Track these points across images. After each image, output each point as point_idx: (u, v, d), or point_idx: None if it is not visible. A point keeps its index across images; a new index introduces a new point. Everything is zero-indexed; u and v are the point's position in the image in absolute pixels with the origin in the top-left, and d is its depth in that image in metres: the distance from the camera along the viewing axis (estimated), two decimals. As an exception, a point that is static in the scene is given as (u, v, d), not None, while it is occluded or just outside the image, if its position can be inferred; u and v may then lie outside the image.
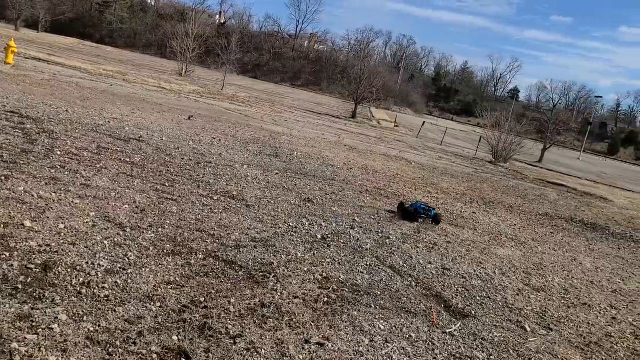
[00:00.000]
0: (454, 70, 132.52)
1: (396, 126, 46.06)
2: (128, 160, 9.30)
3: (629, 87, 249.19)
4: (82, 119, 12.32)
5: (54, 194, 6.55)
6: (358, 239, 7.67)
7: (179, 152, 11.20)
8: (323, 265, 6.32)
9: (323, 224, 8.11)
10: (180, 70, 48.30)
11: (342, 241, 7.43)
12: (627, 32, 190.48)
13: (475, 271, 7.34)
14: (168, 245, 5.87)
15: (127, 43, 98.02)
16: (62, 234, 5.47)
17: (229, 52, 47.90)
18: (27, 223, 5.48)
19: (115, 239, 5.69)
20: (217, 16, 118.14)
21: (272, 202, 8.79)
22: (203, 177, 9.44)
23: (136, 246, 5.64)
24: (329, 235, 7.56)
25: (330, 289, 5.63)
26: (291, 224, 7.73)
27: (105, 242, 5.55)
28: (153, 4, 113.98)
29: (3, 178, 6.64)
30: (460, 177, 18.61)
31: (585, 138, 76.03)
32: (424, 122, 45.89)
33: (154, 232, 6.17)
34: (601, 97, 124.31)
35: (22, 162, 7.54)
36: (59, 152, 8.60)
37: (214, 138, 14.30)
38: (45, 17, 77.50)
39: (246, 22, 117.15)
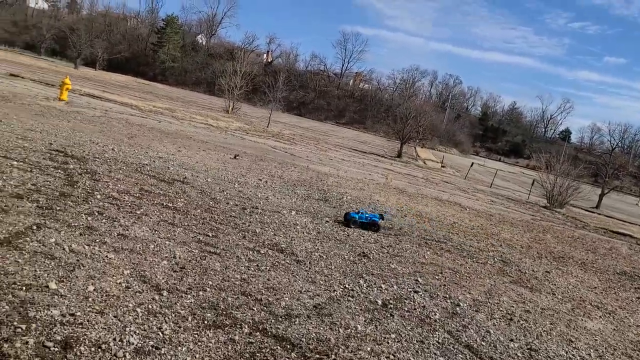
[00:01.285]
0: (502, 110, 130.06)
1: (443, 166, 44.75)
2: (170, 205, 8.66)
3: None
4: (128, 158, 11.90)
5: (87, 247, 5.87)
6: (424, 307, 6.65)
7: (224, 195, 10.53)
8: (388, 342, 5.33)
9: (383, 285, 7.14)
10: (227, 107, 48.80)
11: (406, 309, 6.44)
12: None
13: (567, 353, 6.17)
14: (209, 314, 5.04)
15: (177, 80, 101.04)
16: (91, 299, 4.73)
17: (275, 90, 48.22)
18: (53, 285, 4.78)
19: (150, 306, 4.90)
20: (265, 55, 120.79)
21: (324, 256, 7.90)
22: (249, 225, 8.68)
23: (173, 315, 4.84)
24: (391, 301, 6.58)
25: (400, 379, 4.64)
26: (347, 286, 6.80)
27: (138, 309, 4.78)
28: (204, 43, 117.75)
29: (35, 227, 6.03)
30: (520, 225, 17.27)
31: (644, 182, 72.21)
32: (472, 163, 44.39)
33: (193, 296, 5.36)
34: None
35: (58, 208, 6.96)
36: (99, 196, 8.03)
37: (260, 179, 13.65)
38: (103, 55, 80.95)
39: (292, 61, 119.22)
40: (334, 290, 6.53)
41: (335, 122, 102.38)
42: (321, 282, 6.74)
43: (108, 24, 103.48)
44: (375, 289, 6.98)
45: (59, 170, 9.03)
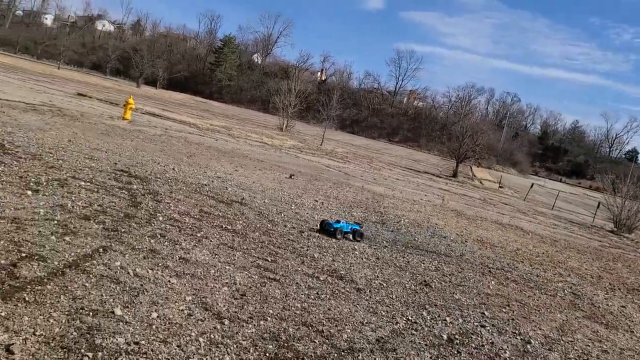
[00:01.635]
0: (563, 128, 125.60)
1: (500, 187, 43.42)
2: (229, 227, 8.66)
3: None
4: (187, 177, 12.09)
5: (150, 271, 5.90)
6: (492, 343, 6.28)
7: (282, 217, 10.48)
8: (457, 384, 5.02)
9: (447, 318, 6.81)
10: (282, 125, 49.42)
11: (473, 345, 6.09)
12: None
13: (654, 403, 5.65)
14: (271, 347, 4.91)
15: (233, 98, 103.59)
16: (154, 327, 4.70)
17: (329, 108, 48.47)
18: (118, 311, 4.78)
19: (212, 335, 4.82)
20: (319, 73, 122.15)
21: (385, 285, 7.66)
22: (307, 249, 8.56)
23: (235, 346, 4.74)
24: (457, 336, 6.25)
25: None
26: (410, 318, 6.52)
27: (200, 339, 4.70)
28: (259, 62, 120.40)
29: (101, 250, 6.12)
30: (587, 252, 16.35)
31: None
32: (532, 184, 42.83)
33: (254, 325, 5.25)
34: None
35: (123, 230, 7.07)
36: (161, 218, 8.13)
37: (316, 200, 13.56)
38: (163, 75, 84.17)
39: (346, 79, 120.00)
40: (397, 323, 6.27)
41: (388, 140, 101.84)
42: (383, 312, 6.50)
43: (169, 45, 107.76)
44: (440, 321, 6.67)
45: (124, 191, 9.24)
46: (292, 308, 5.95)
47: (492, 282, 9.21)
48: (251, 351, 4.74)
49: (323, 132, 46.23)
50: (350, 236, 10.00)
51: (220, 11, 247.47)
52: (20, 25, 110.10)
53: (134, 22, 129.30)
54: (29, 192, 7.57)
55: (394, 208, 15.68)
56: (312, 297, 6.46)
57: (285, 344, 5.02)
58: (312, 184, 16.93)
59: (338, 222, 10.15)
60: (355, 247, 9.49)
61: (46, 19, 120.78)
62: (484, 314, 7.31)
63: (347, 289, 7.07)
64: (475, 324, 6.85)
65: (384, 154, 57.25)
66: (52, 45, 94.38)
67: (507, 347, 6.28)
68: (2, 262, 5.13)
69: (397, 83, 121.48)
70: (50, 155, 10.62)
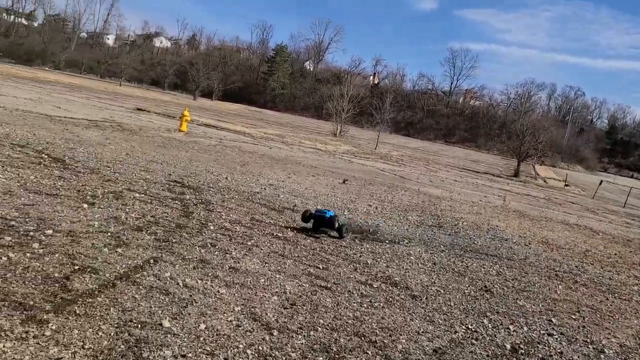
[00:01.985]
0: (633, 121, 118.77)
1: (566, 185, 41.43)
2: (281, 235, 8.56)
3: None
4: (240, 186, 12.15)
5: (200, 281, 5.85)
6: (561, 353, 5.81)
7: (334, 223, 10.29)
8: (523, 398, 4.65)
9: (510, 326, 6.39)
10: (335, 130, 49.40)
11: (540, 355, 5.66)
12: None
13: None
14: (321, 358, 4.72)
15: (286, 106, 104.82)
16: (202, 339, 4.62)
17: (382, 111, 48.02)
18: (166, 323, 4.74)
19: (260, 347, 4.69)
20: (371, 77, 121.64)
21: (442, 291, 7.31)
22: (360, 255, 8.32)
23: (283, 358, 4.58)
24: (522, 346, 5.83)
25: None
26: (470, 326, 6.16)
27: (249, 351, 4.58)
28: (311, 69, 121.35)
29: (152, 261, 6.15)
30: (665, 252, 15.16)
31: None
32: (602, 181, 40.58)
33: (304, 336, 5.08)
34: None
35: (174, 240, 7.10)
36: (212, 227, 8.14)
37: (370, 205, 13.29)
38: (218, 86, 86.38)
39: (399, 81, 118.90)
40: (456, 332, 5.93)
41: (444, 141, 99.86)
42: (440, 321, 6.17)
43: (223, 57, 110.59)
44: (502, 330, 6.26)
45: (176, 201, 9.35)
46: (344, 317, 5.74)
47: (560, 287, 8.63)
48: (300, 363, 4.57)
49: (377, 135, 45.79)
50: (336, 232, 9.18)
51: (272, 21, 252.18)
52: (85, 46, 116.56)
53: (190, 37, 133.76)
54: (85, 205, 7.76)
55: (452, 210, 15.16)
56: (365, 305, 6.22)
57: (336, 356, 4.82)
58: (366, 189, 16.67)
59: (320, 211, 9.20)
60: (411, 252, 9.16)
61: (108, 39, 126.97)
62: (551, 321, 6.82)
63: (402, 297, 6.79)
64: (542, 332, 6.39)
65: (441, 156, 56.06)
66: (114, 64, 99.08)
67: (578, 357, 5.80)
68: (57, 275, 5.22)
69: (452, 83, 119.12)
70: (108, 168, 10.94)
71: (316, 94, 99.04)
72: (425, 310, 6.42)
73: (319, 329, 5.32)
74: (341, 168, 22.01)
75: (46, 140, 12.99)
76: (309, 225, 9.23)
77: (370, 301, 6.38)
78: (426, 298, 6.89)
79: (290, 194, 12.58)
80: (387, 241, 9.63)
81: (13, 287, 4.76)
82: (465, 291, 7.51)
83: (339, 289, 6.62)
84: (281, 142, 30.15)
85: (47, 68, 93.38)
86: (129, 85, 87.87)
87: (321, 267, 7.32)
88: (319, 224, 9.09)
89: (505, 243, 11.59)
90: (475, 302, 7.10)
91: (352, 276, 7.23)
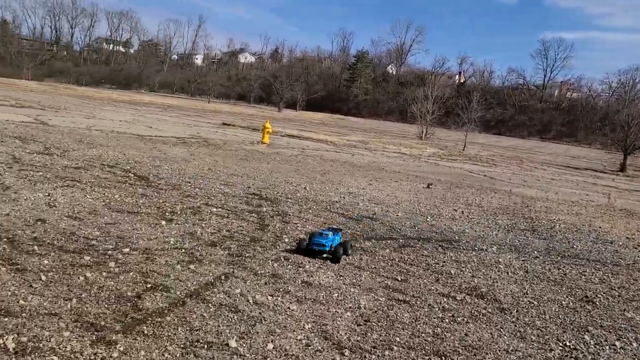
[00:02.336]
0: None
1: (682, 178, 37.41)
2: (357, 246, 8.25)
3: None
4: (318, 196, 11.99)
5: (270, 297, 5.69)
6: (682, 376, 5.00)
7: (415, 231, 9.82)
8: None
9: (617, 343, 5.62)
10: (420, 133, 48.31)
11: (655, 379, 4.89)
12: None
13: None
14: (395, 382, 4.35)
15: (370, 112, 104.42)
16: (269, 359, 4.41)
17: (469, 110, 46.33)
18: (233, 343, 4.59)
19: (330, 369, 4.40)
20: (457, 76, 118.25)
21: (535, 303, 6.63)
22: (443, 265, 7.81)
23: (354, 382, 4.26)
24: (631, 367, 5.08)
25: None
26: (568, 343, 5.48)
27: (317, 373, 4.31)
28: (394, 73, 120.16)
29: (223, 277, 6.08)
30: None
31: None
32: None
33: (378, 356, 4.73)
34: None
35: (247, 255, 7.02)
36: (287, 239, 8.00)
37: (455, 210, 12.61)
38: (302, 97, 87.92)
39: (487, 78, 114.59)
40: (551, 350, 5.29)
41: (539, 137, 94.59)
42: (533, 337, 5.55)
43: (305, 68, 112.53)
44: (607, 347, 5.52)
45: (253, 214, 9.33)
46: (423, 334, 5.31)
47: (677, 296, 7.57)
48: (373, 387, 4.22)
49: (465, 136, 44.14)
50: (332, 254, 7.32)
51: (352, 28, 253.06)
52: (176, 67, 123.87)
53: (272, 50, 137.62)
54: (163, 222, 7.92)
55: (547, 212, 14.04)
56: (447, 320, 5.75)
57: (413, 379, 4.42)
58: (452, 192, 15.92)
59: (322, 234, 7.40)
60: (500, 259, 8.48)
61: (197, 59, 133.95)
62: (667, 337, 5.93)
63: (489, 310, 6.22)
64: (656, 350, 5.56)
65: (536, 153, 52.96)
66: (203, 82, 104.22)
67: None
68: (129, 294, 5.26)
69: (545, 76, 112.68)
70: (189, 184, 11.21)
71: (400, 97, 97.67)
72: (515, 326, 5.82)
73: (395, 347, 4.94)
74: (426, 172, 21.29)
75: (134, 159, 13.62)
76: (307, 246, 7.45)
77: (453, 316, 5.89)
78: (517, 311, 6.27)
79: (370, 201, 12.24)
80: (472, 249, 8.99)
81: (87, 308, 4.84)
82: (563, 302, 6.76)
83: (418, 302, 6.19)
84: (364, 148, 29.85)
85: (143, 91, 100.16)
86: (217, 101, 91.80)
87: (400, 279, 6.92)
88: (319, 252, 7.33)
89: (610, 246, 10.48)
90: (574, 315, 6.35)
91: (433, 288, 6.76)
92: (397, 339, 5.14)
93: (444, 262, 8.01)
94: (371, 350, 4.84)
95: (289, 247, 7.64)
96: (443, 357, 4.87)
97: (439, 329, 5.50)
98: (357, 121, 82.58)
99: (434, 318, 5.77)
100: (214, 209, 9.24)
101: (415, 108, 50.31)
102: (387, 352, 4.83)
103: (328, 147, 27.52)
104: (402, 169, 20.93)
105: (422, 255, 8.24)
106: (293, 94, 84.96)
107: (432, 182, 17.25)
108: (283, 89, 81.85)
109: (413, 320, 5.63)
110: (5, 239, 6.26)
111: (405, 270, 7.32)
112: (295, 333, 4.97)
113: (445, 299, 6.39)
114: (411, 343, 5.08)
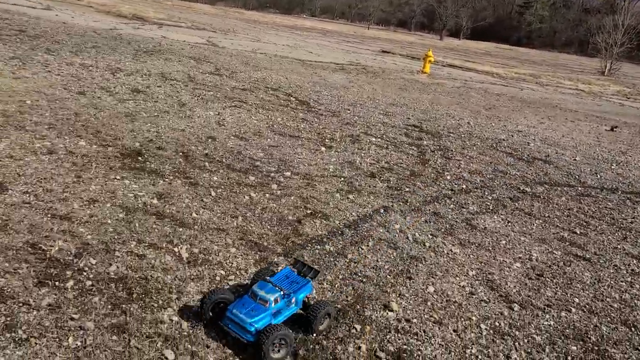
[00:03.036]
0: None
1: None
2: (528, 190, 7.47)
3: None
4: (483, 132, 11.11)
5: (430, 237, 5.35)
6: None
7: (597, 179, 8.65)
8: None
9: None
10: (603, 68, 42.62)
11: None
12: None
13: None
14: (574, 348, 3.83)
15: (543, 43, 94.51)
16: (429, 304, 4.14)
17: (669, 42, 39.59)
18: (391, 279, 4.38)
19: (497, 323, 4.00)
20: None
21: None
22: (632, 221, 6.76)
23: (525, 341, 3.83)
24: None
25: None
26: None
27: (482, 325, 3.94)
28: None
29: (382, 211, 5.85)
30: None
31: None
32: None
33: (553, 316, 4.20)
34: None
35: (407, 189, 6.71)
36: (449, 177, 7.50)
37: (647, 158, 10.89)
38: (467, 24, 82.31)
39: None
40: None
41: None
42: None
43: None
44: None
45: (413, 147, 8.91)
46: (607, 299, 4.62)
47: None
48: (547, 350, 3.76)
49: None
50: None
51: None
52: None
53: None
54: (323, 148, 7.87)
55: None
56: (638, 286, 4.94)
57: (595, 348, 3.86)
58: (642, 137, 13.80)
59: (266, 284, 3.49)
60: None
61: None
62: None
63: (692, 281, 5.22)
64: None
65: None
66: (364, 7, 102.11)
67: None
68: (290, 217, 5.29)
69: None
70: (348, 112, 11.04)
71: (582, 26, 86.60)
72: None
73: (573, 309, 4.36)
74: (609, 112, 18.73)
75: (296, 83, 13.79)
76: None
77: None
78: None
79: (543, 142, 11.04)
80: (670, 205, 7.66)
81: (251, 227, 4.95)
82: None
83: (601, 261, 5.41)
84: (535, 82, 27.16)
85: (304, 15, 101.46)
86: (376, 28, 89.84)
87: (578, 232, 6.11)
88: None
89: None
90: None
91: (619, 247, 5.87)
92: (577, 300, 4.53)
93: (634, 217, 6.92)
94: (544, 308, 4.32)
95: (450, 185, 7.14)
96: (633, 329, 4.19)
97: (627, 295, 4.75)
98: (528, 52, 75.32)
99: (622, 282, 5.00)
100: (373, 139, 8.98)
101: (600, 39, 44.17)
102: (563, 314, 4.27)
103: (493, 79, 25.49)
104: (579, 108, 18.64)
105: (606, 207, 7.21)
106: (457, 21, 79.76)
107: (617, 125, 15.09)
108: (447, 15, 77.08)
109: (595, 281, 4.93)
110: (180, 153, 6.66)
111: (584, 223, 6.46)
112: (458, 279, 4.61)
113: (635, 262, 5.51)
114: (593, 307, 4.45)
